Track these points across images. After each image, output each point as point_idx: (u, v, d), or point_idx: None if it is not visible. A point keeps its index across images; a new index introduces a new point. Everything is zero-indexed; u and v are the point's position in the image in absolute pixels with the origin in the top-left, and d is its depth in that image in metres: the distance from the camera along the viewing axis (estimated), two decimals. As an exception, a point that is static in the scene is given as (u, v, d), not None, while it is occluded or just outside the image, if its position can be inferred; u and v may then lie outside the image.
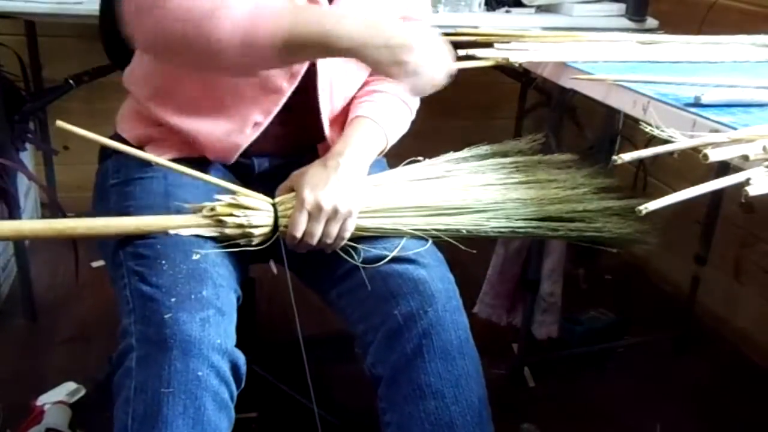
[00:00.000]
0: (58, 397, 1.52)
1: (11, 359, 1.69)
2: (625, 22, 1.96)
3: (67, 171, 2.27)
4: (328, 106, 1.11)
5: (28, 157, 2.09)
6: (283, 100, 1.06)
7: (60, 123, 0.93)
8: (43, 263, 2.05)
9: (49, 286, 1.98)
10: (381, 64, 0.91)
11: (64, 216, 1.81)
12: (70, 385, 1.56)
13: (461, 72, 1.24)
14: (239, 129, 1.07)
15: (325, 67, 1.07)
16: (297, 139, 1.14)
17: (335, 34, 0.89)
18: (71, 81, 1.84)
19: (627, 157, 0.86)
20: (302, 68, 1.04)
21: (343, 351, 1.72)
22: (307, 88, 1.07)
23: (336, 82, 1.10)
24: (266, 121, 1.07)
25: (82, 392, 1.56)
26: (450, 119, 2.15)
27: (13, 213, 1.75)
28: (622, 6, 2.00)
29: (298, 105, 1.08)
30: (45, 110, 2.07)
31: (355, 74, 1.14)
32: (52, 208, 2.28)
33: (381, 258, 1.01)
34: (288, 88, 1.05)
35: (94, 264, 2.09)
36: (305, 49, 0.92)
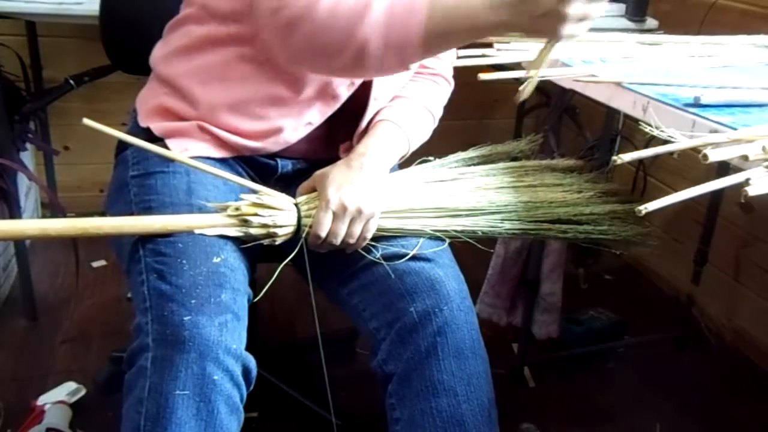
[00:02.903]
0: (58, 397, 1.52)
1: (11, 359, 1.69)
2: (625, 22, 1.96)
3: (67, 171, 2.27)
4: (372, 113, 1.12)
5: (28, 157, 2.09)
6: (338, 105, 1.07)
7: (87, 121, 0.92)
8: (44, 263, 2.06)
9: (49, 287, 1.98)
10: (537, 33, 0.90)
11: (65, 216, 1.81)
12: (71, 385, 1.56)
13: (461, 71, 1.25)
14: (292, 127, 1.07)
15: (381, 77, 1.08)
16: (326, 143, 1.14)
17: (483, 19, 0.86)
18: (71, 81, 1.85)
19: (627, 157, 0.86)
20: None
21: (343, 351, 1.73)
22: (356, 95, 1.08)
23: (387, 90, 1.11)
24: (318, 123, 1.08)
25: (82, 392, 1.56)
26: (450, 119, 2.16)
27: (14, 213, 1.75)
28: (622, 6, 2.00)
29: (343, 111, 1.09)
30: (45, 110, 2.07)
31: (401, 83, 1.14)
32: (52, 208, 2.29)
33: (398, 256, 1.01)
34: (346, 94, 1.07)
35: (95, 264, 2.09)
36: (449, 36, 0.90)
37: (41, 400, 1.50)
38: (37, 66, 2.06)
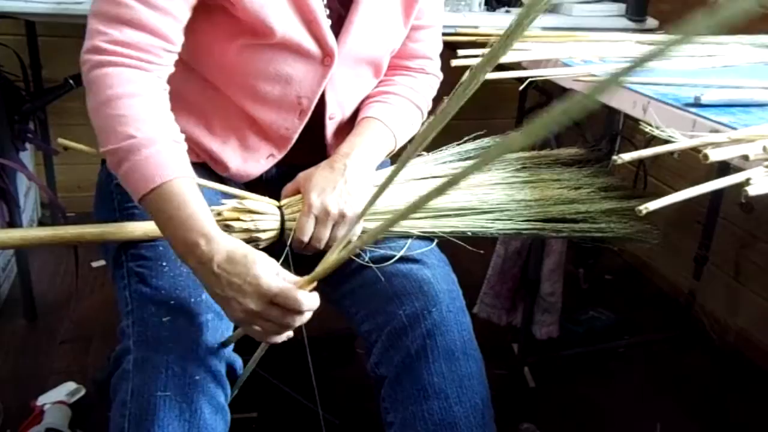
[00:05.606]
0: (58, 397, 1.51)
1: (11, 359, 1.69)
2: (625, 22, 1.96)
3: (67, 171, 2.27)
4: (333, 127, 1.11)
5: (28, 157, 2.09)
6: (296, 136, 1.07)
7: (62, 140, 0.94)
8: (44, 263, 2.05)
9: (49, 286, 1.98)
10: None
11: (65, 215, 1.81)
12: (70, 385, 1.56)
13: (461, 72, 1.25)
14: (255, 159, 1.08)
15: (333, 93, 1.07)
16: (305, 151, 1.14)
17: (165, 235, 0.85)
18: (71, 81, 1.85)
19: (627, 157, 0.86)
20: (311, 104, 1.05)
21: (343, 351, 1.73)
22: (314, 113, 1.08)
23: (344, 101, 1.11)
24: (280, 155, 1.09)
25: (82, 392, 1.56)
26: (450, 118, 2.15)
27: (13, 213, 1.74)
28: (622, 6, 2.00)
29: (308, 129, 1.09)
30: (45, 110, 2.07)
31: (363, 90, 1.14)
32: (52, 208, 2.29)
33: (386, 258, 1.01)
34: (299, 124, 1.06)
35: (94, 264, 2.09)
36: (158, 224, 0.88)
37: (41, 400, 1.50)
38: (36, 66, 2.05)
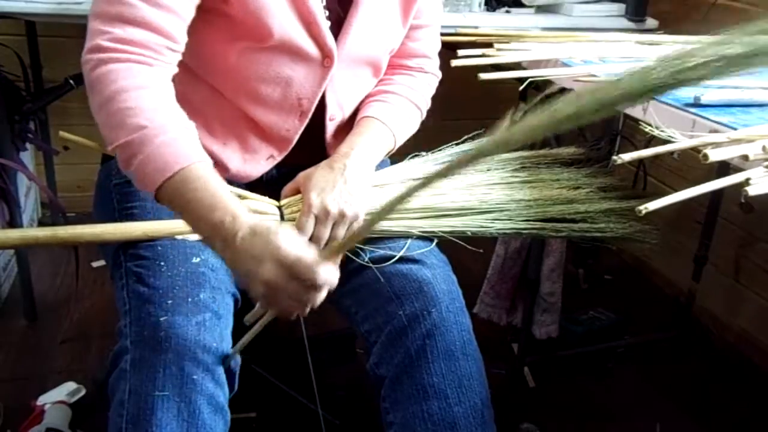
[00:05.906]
0: (58, 397, 1.51)
1: (11, 359, 1.69)
2: (625, 22, 1.96)
3: (67, 171, 2.27)
4: (333, 127, 1.11)
5: (28, 157, 2.09)
6: (297, 137, 1.07)
7: (63, 134, 0.93)
8: (44, 263, 2.05)
9: (49, 286, 1.98)
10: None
11: (65, 215, 1.82)
12: (70, 385, 1.56)
13: (461, 71, 1.25)
14: (255, 160, 1.08)
15: (333, 93, 1.07)
16: (306, 152, 1.14)
17: (187, 221, 0.85)
18: (71, 81, 1.84)
19: (627, 157, 0.86)
20: (312, 106, 1.05)
21: (343, 351, 1.73)
22: (314, 114, 1.07)
23: (344, 102, 1.11)
24: (280, 157, 1.08)
25: (82, 392, 1.56)
26: (450, 119, 2.15)
27: (13, 213, 1.75)
28: (622, 6, 2.00)
29: (308, 130, 1.08)
30: (45, 110, 2.07)
31: (363, 90, 1.14)
32: (52, 208, 2.29)
33: (386, 258, 1.01)
34: (300, 126, 1.06)
35: (95, 264, 2.09)
36: (175, 209, 0.87)
37: (41, 400, 1.50)
38: (37, 66, 2.05)
